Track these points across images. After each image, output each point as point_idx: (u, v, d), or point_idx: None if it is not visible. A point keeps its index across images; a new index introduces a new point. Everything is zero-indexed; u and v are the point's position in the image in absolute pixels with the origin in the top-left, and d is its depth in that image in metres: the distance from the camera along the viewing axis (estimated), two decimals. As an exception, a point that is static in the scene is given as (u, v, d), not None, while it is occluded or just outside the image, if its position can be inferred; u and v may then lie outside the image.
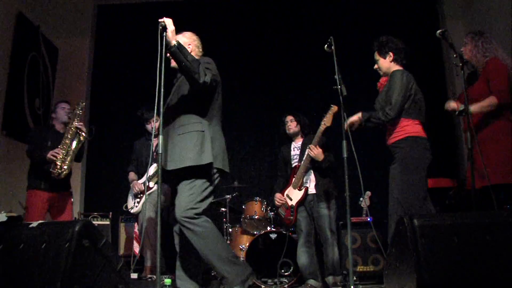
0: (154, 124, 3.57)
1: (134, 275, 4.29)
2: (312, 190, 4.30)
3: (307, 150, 4.24)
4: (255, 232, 4.78)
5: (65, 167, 4.36)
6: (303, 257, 4.21)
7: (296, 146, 4.55)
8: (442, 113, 3.88)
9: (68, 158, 4.39)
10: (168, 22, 2.84)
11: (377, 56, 3.61)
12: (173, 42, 2.84)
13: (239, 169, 6.20)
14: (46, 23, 6.16)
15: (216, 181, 3.14)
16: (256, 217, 4.86)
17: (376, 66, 3.62)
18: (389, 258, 2.57)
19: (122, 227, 5.50)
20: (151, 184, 4.58)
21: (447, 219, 2.29)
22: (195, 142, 3.00)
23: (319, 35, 3.20)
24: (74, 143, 4.45)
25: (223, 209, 5.28)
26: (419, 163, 3.31)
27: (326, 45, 3.14)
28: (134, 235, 5.34)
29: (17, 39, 5.51)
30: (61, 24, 6.54)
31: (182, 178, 3.07)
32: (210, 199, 3.12)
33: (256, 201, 4.95)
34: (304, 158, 4.29)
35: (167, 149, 3.01)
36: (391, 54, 3.54)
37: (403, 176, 3.29)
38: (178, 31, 3.08)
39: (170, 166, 3.02)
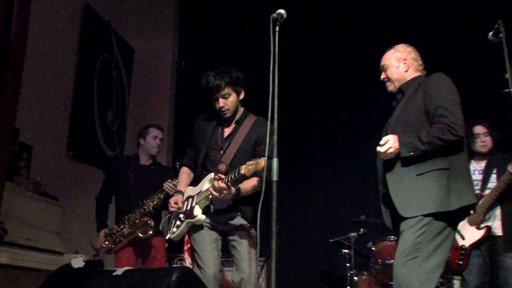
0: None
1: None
2: (497, 231, 3.91)
3: (504, 175, 3.80)
4: (390, 283, 4.43)
5: (113, 247, 4.14)
6: None
7: (477, 168, 4.13)
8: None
9: (116, 245, 4.10)
10: (387, 144, 2.79)
11: None
12: (401, 151, 2.77)
13: (367, 198, 5.74)
14: (119, 17, 5.97)
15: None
16: (391, 262, 4.46)
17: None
18: None
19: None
20: (197, 211, 3.27)
21: None
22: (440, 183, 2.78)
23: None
24: (128, 233, 4.10)
25: (346, 250, 5.09)
26: None
27: (491, 33, 2.87)
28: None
29: (85, 37, 5.25)
30: (137, 19, 6.34)
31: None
32: None
33: (390, 240, 4.63)
34: (495, 187, 3.87)
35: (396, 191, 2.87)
36: None
37: None
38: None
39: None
